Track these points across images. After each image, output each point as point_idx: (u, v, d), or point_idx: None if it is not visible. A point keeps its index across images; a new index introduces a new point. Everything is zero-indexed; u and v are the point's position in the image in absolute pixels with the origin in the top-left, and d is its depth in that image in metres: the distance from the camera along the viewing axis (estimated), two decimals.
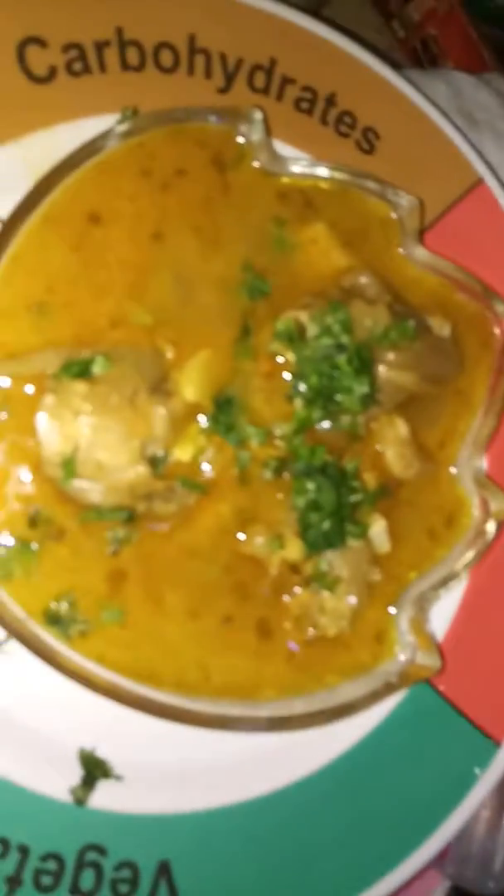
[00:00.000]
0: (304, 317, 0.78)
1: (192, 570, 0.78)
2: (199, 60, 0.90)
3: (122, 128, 0.80)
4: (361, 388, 0.76)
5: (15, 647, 0.76)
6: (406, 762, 0.88)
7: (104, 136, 0.80)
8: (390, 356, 0.81)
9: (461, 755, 0.88)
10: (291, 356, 0.78)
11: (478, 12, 1.31)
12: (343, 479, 0.80)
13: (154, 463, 0.74)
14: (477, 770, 0.88)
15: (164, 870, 0.77)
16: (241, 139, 0.84)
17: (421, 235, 0.93)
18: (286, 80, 0.93)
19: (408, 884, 0.84)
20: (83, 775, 0.78)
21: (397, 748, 0.87)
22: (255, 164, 0.85)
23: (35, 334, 0.73)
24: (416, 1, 1.39)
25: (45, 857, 0.75)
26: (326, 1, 1.34)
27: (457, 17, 1.33)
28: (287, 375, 0.80)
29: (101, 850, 0.76)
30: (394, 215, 0.91)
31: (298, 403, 0.78)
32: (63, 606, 0.73)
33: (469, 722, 0.89)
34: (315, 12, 1.07)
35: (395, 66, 1.10)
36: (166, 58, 0.88)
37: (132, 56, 0.87)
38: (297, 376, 0.78)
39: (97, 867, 0.76)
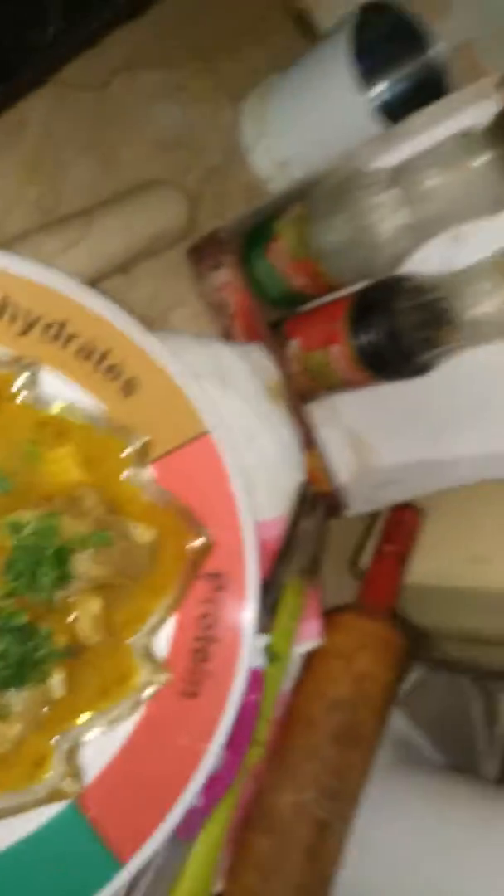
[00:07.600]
0: (27, 516, 1.08)
1: None
2: (8, 311, 1.23)
3: None
4: (56, 576, 1.07)
5: None
6: (46, 869, 1.12)
7: None
8: (88, 553, 1.12)
9: (89, 870, 1.14)
10: (10, 544, 1.08)
11: (261, 296, 1.72)
12: (33, 637, 1.08)
13: None
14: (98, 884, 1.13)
15: None
16: (17, 382, 1.17)
17: (148, 465, 1.27)
18: (72, 336, 1.27)
19: None
20: None
21: (41, 856, 1.12)
22: (25, 398, 1.17)
23: None
24: (218, 272, 1.78)
25: None
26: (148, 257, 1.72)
27: (244, 294, 1.73)
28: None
29: None
30: (129, 450, 1.24)
31: (9, 577, 1.08)
32: None
33: (102, 842, 1.15)
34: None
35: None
36: None
37: None
38: (12, 559, 1.08)
39: None
